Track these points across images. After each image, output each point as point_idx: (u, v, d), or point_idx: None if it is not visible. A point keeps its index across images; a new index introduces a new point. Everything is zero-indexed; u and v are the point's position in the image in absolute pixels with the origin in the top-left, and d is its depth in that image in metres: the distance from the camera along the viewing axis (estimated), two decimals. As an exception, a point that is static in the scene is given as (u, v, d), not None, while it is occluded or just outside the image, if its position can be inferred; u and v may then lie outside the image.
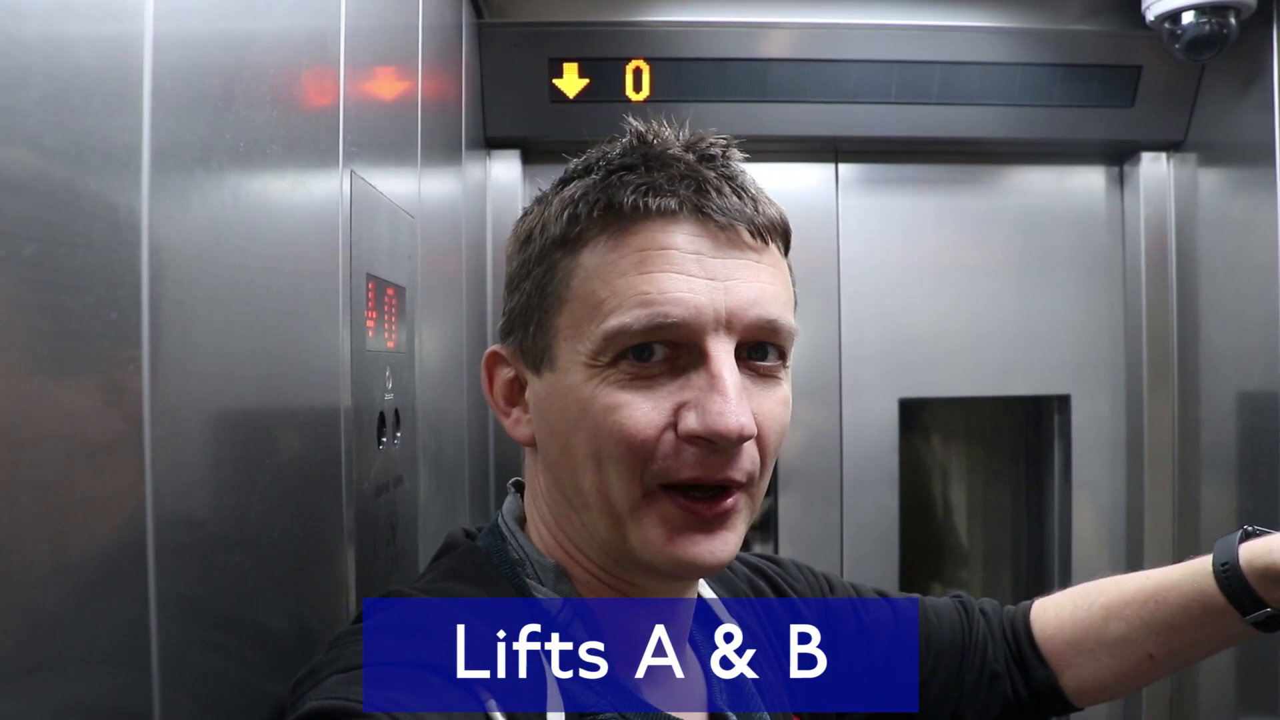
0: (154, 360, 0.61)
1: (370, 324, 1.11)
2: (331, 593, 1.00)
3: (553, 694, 0.74)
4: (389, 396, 1.18)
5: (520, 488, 0.91)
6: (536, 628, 0.77)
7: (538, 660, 0.76)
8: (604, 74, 1.98)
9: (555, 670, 0.77)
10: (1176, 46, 1.90)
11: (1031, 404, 2.39)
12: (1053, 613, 1.07)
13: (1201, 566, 0.99)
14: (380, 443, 1.15)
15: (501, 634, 0.75)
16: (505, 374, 0.85)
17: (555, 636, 0.78)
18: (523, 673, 0.73)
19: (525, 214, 0.86)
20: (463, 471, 1.69)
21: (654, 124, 0.82)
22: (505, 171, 2.12)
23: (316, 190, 0.96)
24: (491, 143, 2.08)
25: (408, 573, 1.22)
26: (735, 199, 0.78)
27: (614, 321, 0.74)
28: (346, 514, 1.03)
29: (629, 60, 1.97)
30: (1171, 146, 2.21)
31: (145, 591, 0.61)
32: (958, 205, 2.28)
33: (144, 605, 0.61)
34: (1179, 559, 2.15)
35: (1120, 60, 2.07)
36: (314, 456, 0.94)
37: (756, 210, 0.79)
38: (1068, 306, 2.29)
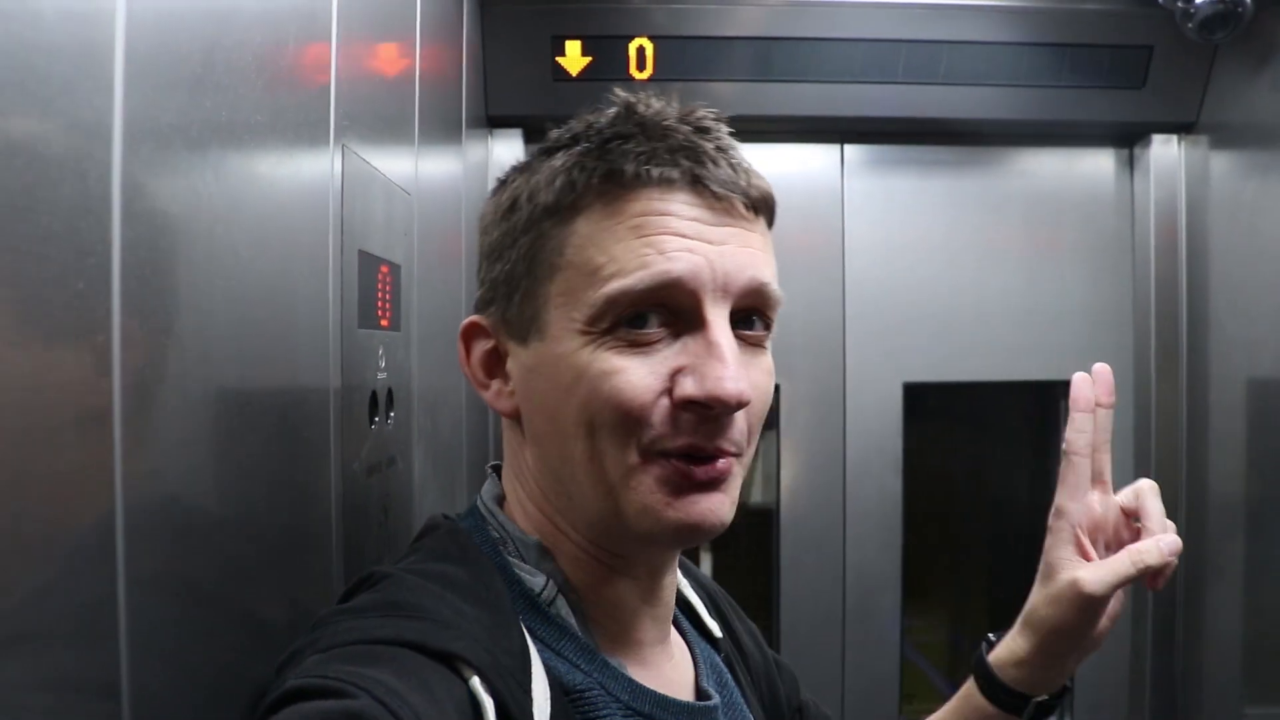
0: (125, 332, 0.60)
1: (362, 301, 1.09)
2: (318, 573, 0.99)
3: (537, 670, 0.74)
4: (382, 375, 1.17)
5: (499, 471, 0.91)
6: (523, 606, 0.79)
7: (522, 637, 0.75)
8: (607, 52, 1.96)
9: (541, 648, 0.77)
10: (1189, 25, 1.88)
11: (1038, 389, 2.37)
12: None
13: (972, 688, 1.04)
14: (373, 422, 1.14)
15: (486, 612, 0.75)
16: (484, 345, 0.85)
17: (541, 616, 0.80)
18: (506, 649, 0.73)
19: (504, 183, 0.86)
20: (460, 452, 1.68)
21: (642, 96, 0.82)
22: (507, 151, 2.10)
23: (306, 165, 0.95)
24: (493, 121, 2.06)
25: (401, 554, 1.21)
26: (730, 171, 0.78)
27: (615, 285, 0.74)
28: (334, 494, 1.01)
29: (632, 38, 1.96)
30: (1183, 128, 2.18)
31: (113, 569, 0.60)
32: (964, 188, 2.26)
33: (111, 582, 0.59)
34: (1187, 544, 2.14)
35: (1131, 40, 2.05)
36: (300, 435, 0.93)
37: (750, 183, 0.80)
38: (1075, 291, 2.27)
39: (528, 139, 2.12)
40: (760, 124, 2.10)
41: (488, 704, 0.67)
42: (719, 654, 0.97)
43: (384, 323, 1.18)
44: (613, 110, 0.82)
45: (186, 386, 0.70)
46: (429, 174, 1.45)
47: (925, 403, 2.35)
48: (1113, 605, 0.98)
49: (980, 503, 2.53)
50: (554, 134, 0.84)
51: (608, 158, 0.77)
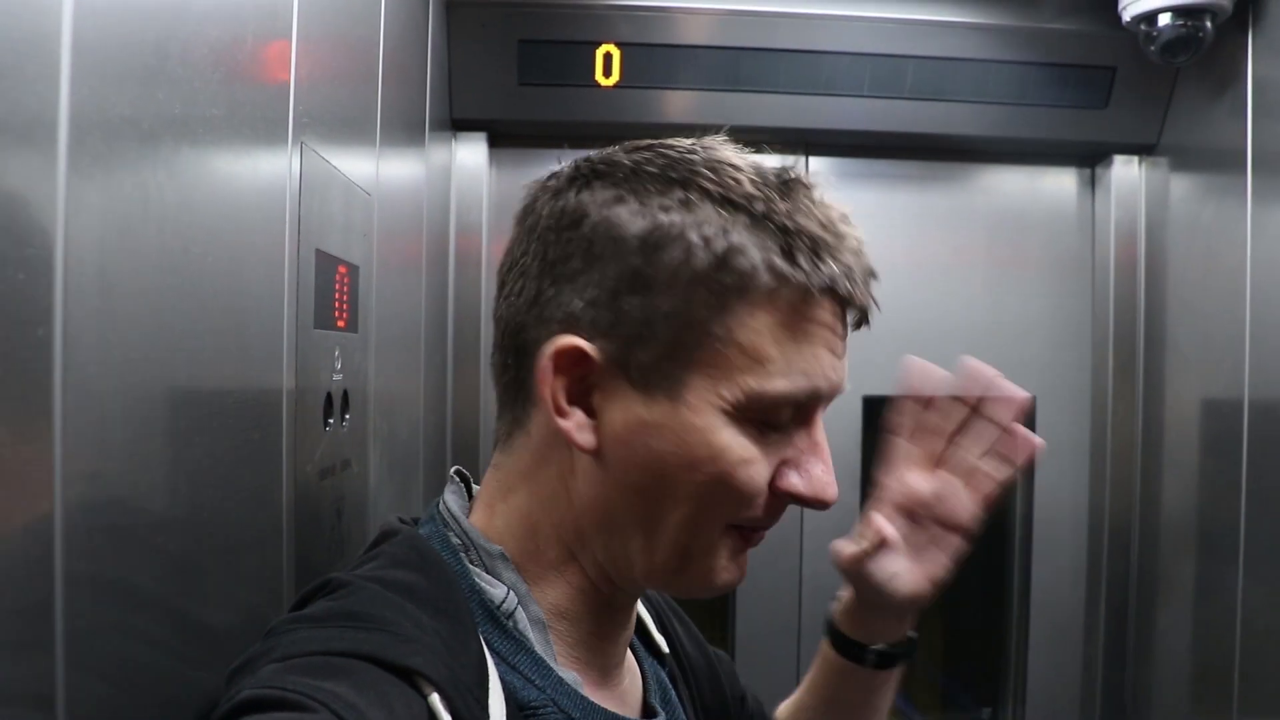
0: (68, 325, 0.58)
1: (319, 302, 1.08)
2: (268, 577, 0.97)
3: (494, 685, 0.73)
4: (337, 377, 1.16)
5: (464, 477, 0.90)
6: (482, 617, 0.78)
7: (480, 650, 0.74)
8: (574, 58, 1.95)
9: (497, 661, 0.76)
10: (1152, 48, 1.90)
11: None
12: None
13: (824, 643, 1.08)
14: (327, 424, 1.13)
15: (445, 623, 0.73)
16: (579, 373, 0.77)
17: (499, 628, 0.78)
18: (465, 663, 0.72)
19: (634, 195, 0.77)
20: (416, 456, 1.67)
21: (798, 173, 0.79)
22: (471, 155, 2.09)
23: (263, 162, 0.93)
24: (458, 125, 2.05)
25: (354, 557, 1.20)
26: (866, 292, 0.80)
27: (780, 385, 0.75)
28: (286, 497, 1.00)
29: (599, 44, 1.95)
30: (1144, 150, 2.21)
31: (50, 573, 0.58)
32: (927, 203, 2.27)
33: (49, 587, 0.58)
34: (1140, 562, 2.16)
35: (1095, 61, 2.07)
36: (251, 436, 0.92)
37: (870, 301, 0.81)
38: (1035, 308, 2.29)
39: (492, 143, 2.11)
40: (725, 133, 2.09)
41: None
42: (664, 669, 0.97)
43: (341, 324, 1.16)
44: (781, 180, 0.78)
45: (132, 383, 0.69)
46: (390, 175, 1.44)
47: (885, 416, 2.35)
48: (911, 571, 0.99)
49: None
50: (714, 179, 0.76)
51: (819, 266, 0.75)
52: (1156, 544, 2.16)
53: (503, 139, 2.13)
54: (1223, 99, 1.95)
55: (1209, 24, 1.84)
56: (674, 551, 0.78)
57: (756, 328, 0.75)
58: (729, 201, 0.75)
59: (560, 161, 0.85)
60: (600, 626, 0.85)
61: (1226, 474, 1.90)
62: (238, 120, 0.86)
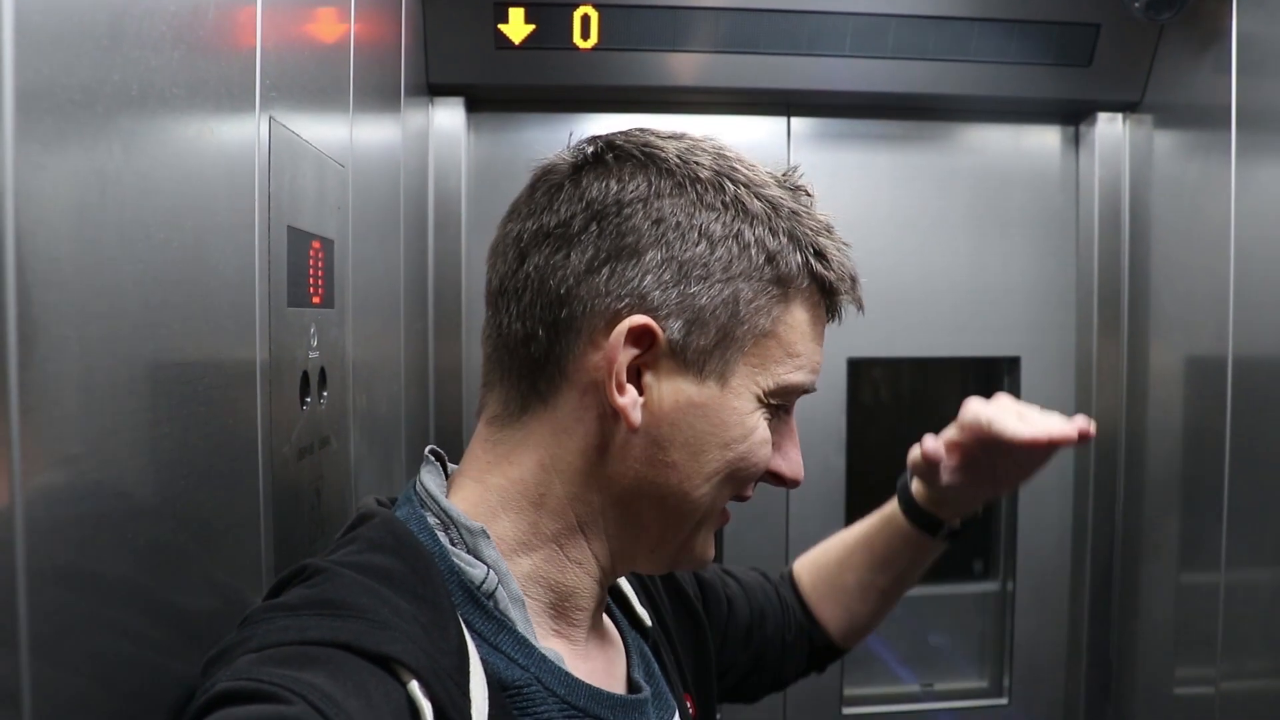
0: (22, 315, 0.56)
1: (292, 279, 1.06)
2: (246, 560, 0.96)
3: (475, 669, 0.73)
4: (314, 355, 1.14)
5: (439, 457, 0.89)
6: (461, 598, 0.78)
7: (460, 634, 0.74)
8: (551, 20, 1.92)
9: (479, 642, 0.76)
10: (1136, 5, 1.88)
11: (982, 365, 2.38)
12: (807, 576, 1.28)
13: (893, 509, 1.22)
14: (304, 403, 1.11)
15: (423, 608, 0.73)
16: (637, 353, 0.78)
17: (480, 608, 0.78)
18: (444, 649, 0.71)
19: (695, 195, 0.80)
20: (398, 429, 1.65)
21: (791, 177, 0.86)
22: (449, 120, 2.06)
23: (229, 137, 0.91)
24: (434, 90, 2.02)
25: (334, 537, 1.19)
26: None
27: (801, 378, 0.83)
28: (263, 478, 0.98)
29: (576, 6, 1.92)
30: (1128, 107, 2.19)
31: (12, 566, 0.57)
32: (911, 163, 2.25)
33: (10, 580, 0.56)
34: (1125, 520, 2.17)
35: (1079, 18, 2.04)
36: (225, 419, 0.90)
37: None
38: (1019, 267, 2.28)
39: (470, 108, 2.08)
40: (706, 95, 2.07)
41: (426, 709, 0.65)
42: (646, 641, 0.98)
43: (316, 300, 1.14)
44: (793, 184, 0.85)
45: (94, 369, 0.67)
46: (365, 144, 1.41)
47: (869, 378, 2.35)
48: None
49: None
50: (747, 177, 0.82)
51: (831, 267, 0.83)
52: (1141, 502, 2.17)
53: (481, 103, 2.10)
54: (1207, 55, 1.93)
55: (1194, -21, 1.82)
56: (689, 524, 0.84)
57: (793, 324, 0.82)
58: (767, 200, 0.81)
59: (572, 135, 0.89)
60: (598, 593, 0.86)
61: (1211, 432, 1.90)
62: (200, 97, 0.83)
